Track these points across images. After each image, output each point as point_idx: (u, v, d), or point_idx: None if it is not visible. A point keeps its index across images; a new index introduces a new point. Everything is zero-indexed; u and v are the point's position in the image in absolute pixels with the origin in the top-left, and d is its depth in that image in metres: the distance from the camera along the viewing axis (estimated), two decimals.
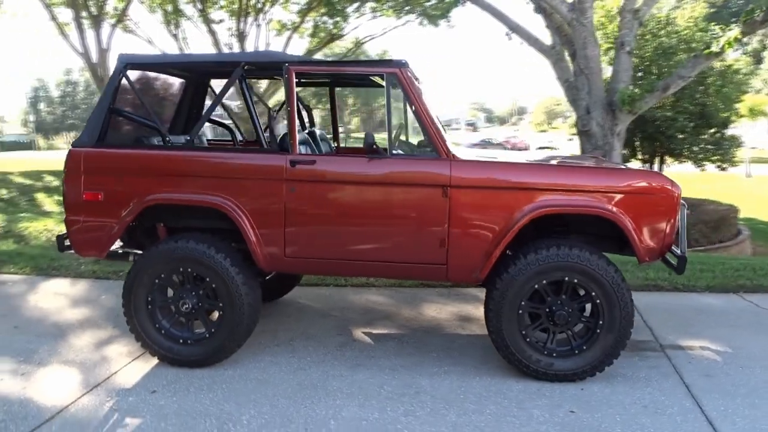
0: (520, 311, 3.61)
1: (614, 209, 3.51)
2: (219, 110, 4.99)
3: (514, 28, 10.58)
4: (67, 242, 3.95)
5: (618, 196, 3.54)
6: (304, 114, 5.00)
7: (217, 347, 3.83)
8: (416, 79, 3.91)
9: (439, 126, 3.68)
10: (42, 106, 69.41)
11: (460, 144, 25.44)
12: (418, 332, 4.54)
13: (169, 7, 16.80)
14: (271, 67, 3.71)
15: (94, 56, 15.80)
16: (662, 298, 5.35)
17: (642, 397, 3.48)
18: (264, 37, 18.69)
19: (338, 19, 17.25)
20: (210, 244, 3.76)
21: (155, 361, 3.94)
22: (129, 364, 3.95)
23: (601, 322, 3.59)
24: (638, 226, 3.53)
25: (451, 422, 3.21)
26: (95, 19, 15.49)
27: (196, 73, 4.29)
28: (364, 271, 3.95)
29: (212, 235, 3.89)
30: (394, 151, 3.68)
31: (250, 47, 17.90)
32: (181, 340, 3.87)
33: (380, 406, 3.39)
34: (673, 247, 3.70)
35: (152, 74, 4.35)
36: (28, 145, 57.77)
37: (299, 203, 3.71)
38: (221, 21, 17.61)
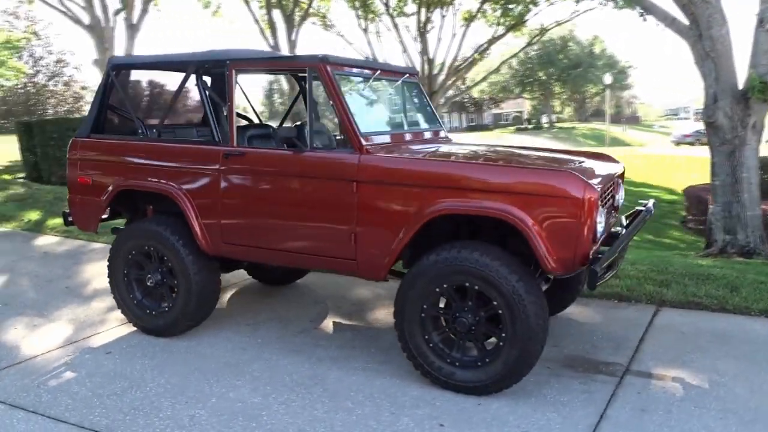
0: (423, 314, 3.44)
1: (516, 212, 3.17)
2: (243, 104, 5.39)
3: (649, 8, 9.54)
4: (71, 218, 4.63)
5: (520, 198, 3.19)
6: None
7: (172, 321, 4.22)
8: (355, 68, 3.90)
9: (355, 120, 3.62)
10: (276, 97, 78.08)
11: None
12: (385, 328, 4.49)
13: (357, 3, 18.52)
14: (218, 65, 3.96)
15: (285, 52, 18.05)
16: (695, 318, 4.59)
17: (536, 421, 3.13)
18: (450, 28, 20.06)
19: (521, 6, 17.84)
20: (168, 225, 4.14)
21: (134, 328, 4.46)
22: (112, 329, 4.52)
23: (504, 335, 3.28)
24: (544, 232, 3.15)
25: (312, 416, 3.21)
26: (288, 17, 17.92)
27: (174, 71, 4.70)
28: (287, 260, 4.04)
29: (179, 218, 4.26)
30: (315, 145, 3.72)
31: (433, 39, 18.78)
32: (148, 311, 4.33)
33: (271, 392, 3.50)
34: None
35: (157, 73, 4.87)
36: None
37: (231, 193, 3.93)
38: (413, 14, 19.03)
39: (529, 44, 27.02)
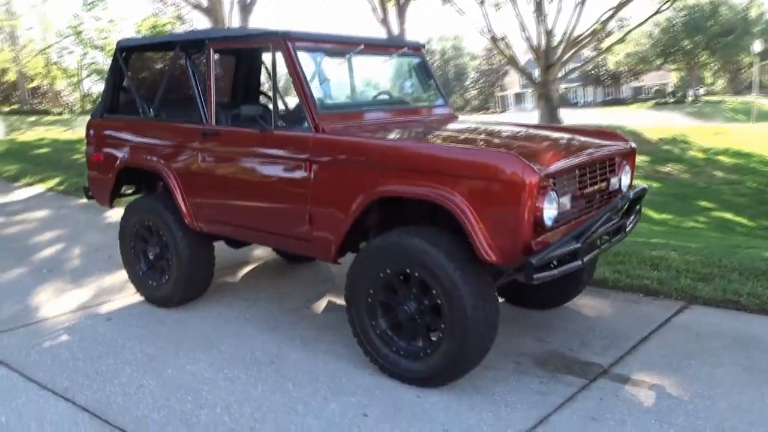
0: (369, 300, 3.30)
1: (449, 195, 2.92)
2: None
3: None
4: (90, 193, 4.96)
5: (455, 180, 2.93)
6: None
7: (168, 294, 4.40)
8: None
9: (313, 97, 3.50)
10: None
11: None
12: None
13: None
14: (199, 44, 4.00)
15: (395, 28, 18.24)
16: (724, 319, 4.03)
17: (465, 420, 2.90)
18: None
19: None
20: (162, 201, 4.31)
21: (142, 297, 4.71)
22: (125, 297, 4.79)
23: (443, 326, 3.07)
24: (480, 218, 2.88)
25: (247, 395, 3.21)
26: None
27: (168, 51, 4.78)
28: (255, 238, 4.02)
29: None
30: (278, 124, 3.66)
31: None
32: (150, 282, 4.55)
33: (225, 367, 3.54)
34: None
35: (159, 54, 5.02)
36: None
37: (208, 171, 3.99)
38: None
39: (658, 12, 24.99)
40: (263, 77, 5.11)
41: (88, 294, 4.92)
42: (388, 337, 3.30)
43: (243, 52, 4.69)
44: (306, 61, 3.64)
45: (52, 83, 42.62)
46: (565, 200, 3.07)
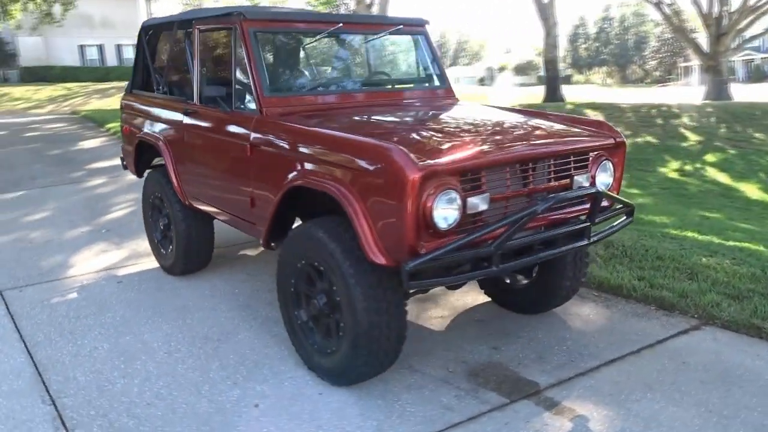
0: (292, 289, 3.23)
1: (341, 188, 2.74)
2: None
3: None
4: (124, 163, 5.34)
5: (349, 172, 2.74)
6: None
7: (172, 264, 4.66)
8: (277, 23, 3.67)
9: (262, 81, 3.42)
10: (580, 42, 75.73)
11: None
12: None
13: None
14: (188, 24, 4.08)
15: None
16: (735, 349, 3.41)
17: (343, 427, 2.76)
18: None
19: None
20: (165, 175, 4.54)
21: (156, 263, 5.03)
22: (145, 263, 5.15)
23: (342, 324, 2.92)
24: (368, 215, 2.67)
25: (173, 371, 3.30)
26: None
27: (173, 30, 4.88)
28: (223, 219, 4.06)
29: None
30: (236, 105, 3.65)
31: None
32: (162, 250, 4.84)
33: (173, 339, 3.67)
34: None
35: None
36: (566, 80, 62.75)
37: (188, 148, 4.12)
38: None
39: None
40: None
41: (121, 256, 5.35)
42: (307, 329, 3.22)
43: (222, 33, 4.71)
44: (265, 42, 3.59)
45: None
46: (479, 200, 2.73)
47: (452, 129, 3.17)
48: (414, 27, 4.19)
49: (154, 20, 4.94)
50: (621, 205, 3.32)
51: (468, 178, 2.70)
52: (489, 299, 4.11)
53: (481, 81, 64.24)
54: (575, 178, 3.12)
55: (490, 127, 3.23)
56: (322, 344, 3.12)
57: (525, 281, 3.86)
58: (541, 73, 36.74)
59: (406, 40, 4.22)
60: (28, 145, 11.97)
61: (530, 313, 3.89)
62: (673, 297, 4.00)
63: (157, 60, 4.83)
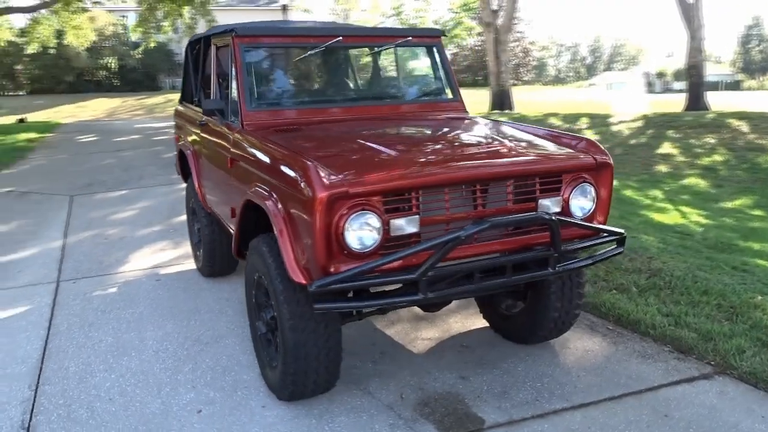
0: (254, 300, 3.28)
1: (271, 205, 2.75)
2: None
3: None
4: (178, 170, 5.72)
5: (279, 189, 2.74)
6: None
7: (202, 266, 4.93)
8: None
9: (246, 94, 3.51)
10: (753, 44, 69.45)
11: None
12: None
13: None
14: (207, 40, 4.27)
15: None
16: (741, 405, 2.95)
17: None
18: None
19: None
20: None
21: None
22: (186, 264, 5.46)
23: (279, 340, 2.91)
24: (291, 233, 2.65)
25: (149, 368, 3.49)
26: None
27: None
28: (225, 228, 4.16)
29: None
30: (230, 119, 3.78)
31: None
32: (197, 252, 5.13)
33: (170, 339, 3.87)
34: None
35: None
36: (734, 85, 57.49)
37: (202, 158, 4.33)
38: None
39: None
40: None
41: (172, 256, 5.72)
42: (265, 340, 3.24)
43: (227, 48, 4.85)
44: (256, 57, 3.68)
45: None
46: (406, 223, 2.60)
47: (406, 147, 3.05)
48: (426, 39, 4.07)
49: (197, 35, 5.24)
50: (604, 234, 3.00)
51: (393, 198, 2.58)
52: (487, 324, 3.89)
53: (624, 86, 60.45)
54: (542, 201, 2.87)
55: (449, 145, 3.07)
56: (270, 357, 3.13)
57: (516, 309, 3.61)
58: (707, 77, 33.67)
59: (413, 52, 4.12)
60: (151, 148, 13.17)
61: (523, 343, 3.63)
62: (694, 338, 3.54)
63: (194, 74, 5.12)
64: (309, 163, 2.56)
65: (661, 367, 3.34)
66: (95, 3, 20.65)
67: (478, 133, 3.36)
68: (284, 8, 28.37)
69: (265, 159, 2.98)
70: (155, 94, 30.78)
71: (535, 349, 3.59)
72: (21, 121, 18.44)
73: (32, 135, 15.13)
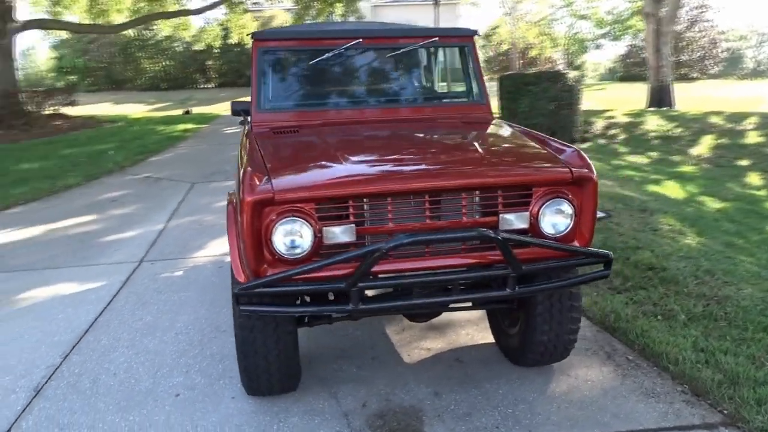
0: None
1: (230, 205, 2.86)
2: None
3: None
4: None
5: (236, 193, 2.83)
6: None
7: None
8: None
9: (259, 95, 3.64)
10: None
11: None
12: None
13: None
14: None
15: None
16: None
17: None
18: None
19: None
20: None
21: None
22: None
23: None
24: (235, 233, 2.74)
25: (135, 360, 3.80)
26: None
27: None
28: None
29: None
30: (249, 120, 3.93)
31: None
32: None
33: (179, 333, 4.15)
34: None
35: None
36: None
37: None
38: None
39: None
40: None
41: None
42: None
43: None
44: (273, 60, 3.80)
45: (541, 53, 45.59)
46: (340, 231, 2.57)
47: (373, 154, 2.99)
48: (458, 39, 3.92)
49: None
50: (580, 256, 2.72)
51: (328, 206, 2.56)
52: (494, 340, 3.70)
53: None
54: (504, 216, 2.68)
55: (416, 153, 2.96)
56: None
57: (515, 328, 3.39)
58: None
59: (441, 52, 3.99)
60: None
61: (518, 365, 3.40)
62: (715, 381, 3.08)
63: None
64: (248, 168, 2.63)
65: (662, 409, 2.96)
66: (254, 3, 22.26)
67: (463, 139, 3.20)
68: (436, 2, 28.33)
69: (242, 161, 3.09)
70: None
71: (531, 372, 3.35)
72: (186, 113, 20.53)
73: (190, 126, 16.79)
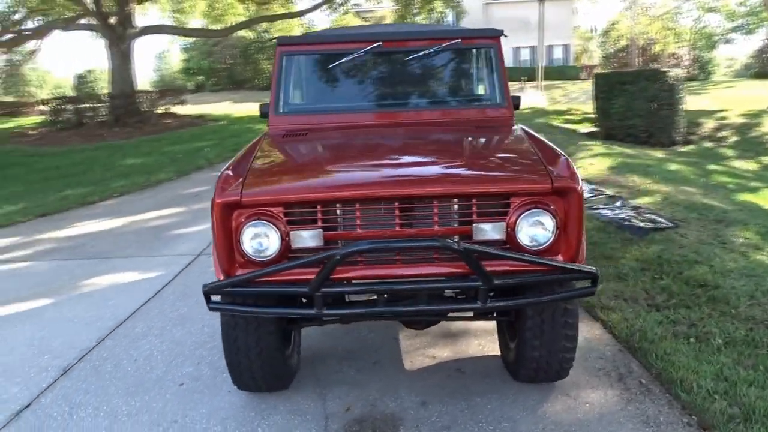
0: None
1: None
2: None
3: None
4: None
5: None
6: None
7: None
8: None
9: (277, 98, 3.74)
10: None
11: None
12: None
13: None
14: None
15: None
16: None
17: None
18: None
19: None
20: None
21: None
22: None
23: None
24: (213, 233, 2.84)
25: (177, 338, 4.01)
26: None
27: None
28: None
29: None
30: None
31: None
32: None
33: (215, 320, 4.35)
34: None
35: None
36: None
37: None
38: None
39: None
40: None
41: None
42: None
43: None
44: (295, 64, 3.89)
45: (664, 49, 42.89)
46: (308, 236, 2.59)
47: (358, 159, 2.99)
48: (483, 40, 3.82)
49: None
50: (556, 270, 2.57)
51: (296, 211, 2.60)
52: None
53: None
54: (478, 226, 2.59)
55: (397, 158, 2.92)
56: None
57: (513, 342, 3.26)
58: None
59: (464, 54, 3.89)
60: None
61: (518, 380, 3.26)
62: (726, 415, 2.79)
63: None
64: (227, 171, 2.72)
65: None
66: (355, 5, 22.69)
67: (455, 145, 3.10)
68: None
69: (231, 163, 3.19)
70: None
71: (530, 389, 3.20)
72: None
73: None
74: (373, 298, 2.73)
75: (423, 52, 3.80)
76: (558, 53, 47.78)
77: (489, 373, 3.39)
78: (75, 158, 13.79)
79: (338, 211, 2.60)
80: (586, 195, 7.29)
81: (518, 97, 4.05)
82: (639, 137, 12.62)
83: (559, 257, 2.62)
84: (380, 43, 3.77)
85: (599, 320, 4.01)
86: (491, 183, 2.60)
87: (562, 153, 2.81)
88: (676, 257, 4.92)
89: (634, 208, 6.55)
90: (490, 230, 2.58)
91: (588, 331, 3.86)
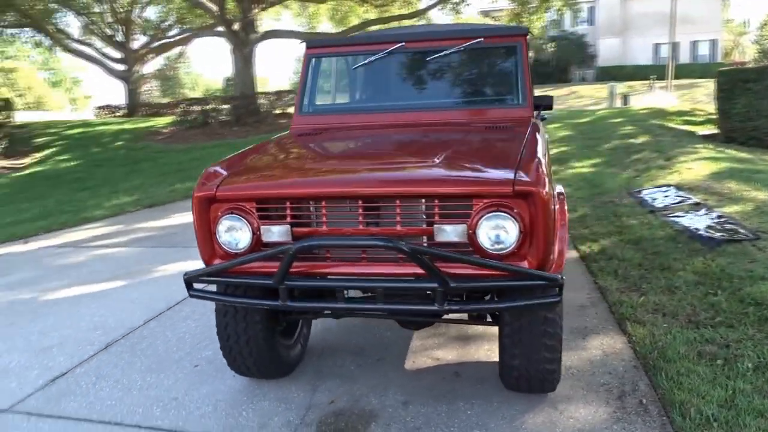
0: None
1: None
2: None
3: None
4: None
5: None
6: None
7: None
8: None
9: (302, 98, 3.89)
10: None
11: None
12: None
13: None
14: None
15: None
16: None
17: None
18: None
19: None
20: None
21: None
22: None
23: None
24: None
25: (197, 325, 4.29)
26: None
27: None
28: None
29: None
30: None
31: None
32: None
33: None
34: None
35: None
36: None
37: None
38: None
39: None
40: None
41: None
42: None
43: None
44: (320, 67, 4.02)
45: None
46: (277, 231, 2.71)
47: (345, 158, 3.08)
48: (509, 38, 3.74)
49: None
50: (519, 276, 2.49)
51: (267, 206, 2.74)
52: None
53: None
54: (442, 227, 2.57)
55: (378, 157, 2.95)
56: None
57: None
58: None
59: (487, 52, 3.82)
60: None
61: (507, 389, 3.17)
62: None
63: None
64: (213, 167, 2.91)
65: None
66: (467, 5, 22.54)
67: (440, 146, 3.06)
68: None
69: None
70: (561, 86, 31.88)
71: (518, 398, 3.09)
72: None
73: None
74: (349, 295, 2.81)
75: (445, 52, 3.79)
76: (704, 49, 44.44)
77: (486, 379, 3.33)
78: (195, 155, 14.97)
79: (307, 209, 2.70)
80: (669, 202, 6.81)
81: (550, 97, 3.92)
82: (763, 140, 11.46)
83: (525, 263, 2.53)
84: (403, 43, 3.82)
85: (626, 334, 3.77)
86: (452, 184, 2.57)
87: (541, 155, 2.70)
88: (741, 272, 4.48)
89: (718, 216, 6.01)
90: (450, 232, 2.55)
91: (609, 345, 3.65)
